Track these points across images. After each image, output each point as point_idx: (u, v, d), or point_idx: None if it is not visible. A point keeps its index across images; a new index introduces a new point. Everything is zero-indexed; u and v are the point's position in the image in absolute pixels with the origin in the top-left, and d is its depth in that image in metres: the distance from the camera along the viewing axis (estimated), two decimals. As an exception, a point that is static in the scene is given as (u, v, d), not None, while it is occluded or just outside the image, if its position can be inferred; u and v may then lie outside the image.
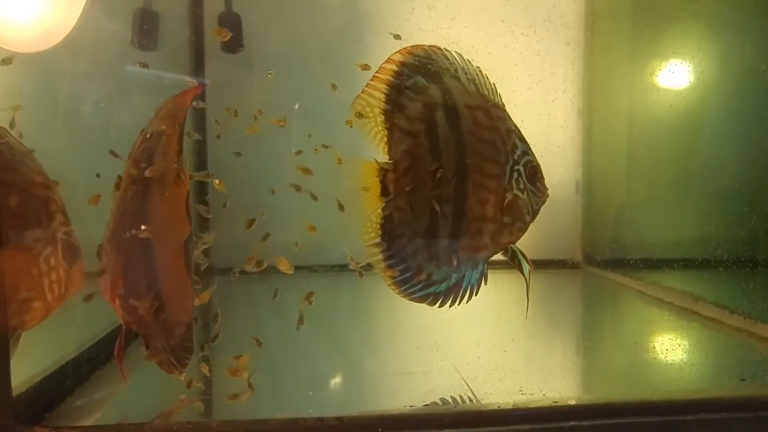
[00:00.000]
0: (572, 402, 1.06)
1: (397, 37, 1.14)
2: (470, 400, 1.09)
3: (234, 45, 1.94)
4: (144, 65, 1.30)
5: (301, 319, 1.14)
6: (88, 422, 1.03)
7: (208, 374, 1.14)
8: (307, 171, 1.12)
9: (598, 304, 2.05)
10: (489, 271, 1.13)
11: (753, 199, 1.58)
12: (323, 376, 1.27)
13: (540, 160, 1.15)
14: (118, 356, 1.02)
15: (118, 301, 0.98)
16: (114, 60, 1.48)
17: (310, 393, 1.17)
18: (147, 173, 0.97)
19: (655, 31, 1.99)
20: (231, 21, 1.98)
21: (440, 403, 1.08)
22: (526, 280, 1.13)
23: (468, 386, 1.14)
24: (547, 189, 1.13)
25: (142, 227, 0.96)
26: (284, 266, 1.09)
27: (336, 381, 1.27)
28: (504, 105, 1.12)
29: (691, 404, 1.05)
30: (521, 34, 1.74)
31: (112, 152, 1.05)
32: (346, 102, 1.13)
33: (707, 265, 1.65)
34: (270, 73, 1.43)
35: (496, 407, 1.03)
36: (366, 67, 1.10)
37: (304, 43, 2.00)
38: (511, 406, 1.04)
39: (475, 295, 1.12)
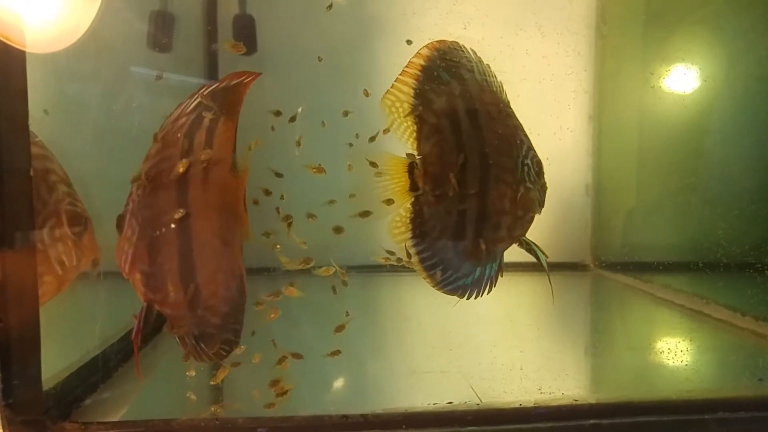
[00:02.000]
0: (592, 401, 1.07)
1: (409, 42, 1.15)
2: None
3: (248, 47, 1.95)
4: (159, 77, 1.30)
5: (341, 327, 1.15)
6: (115, 418, 1.05)
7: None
8: (320, 170, 1.13)
9: (608, 306, 2.06)
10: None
11: (763, 202, 1.59)
12: (342, 375, 1.28)
13: (550, 164, 1.18)
14: (135, 337, 1.00)
15: (138, 277, 0.98)
16: (129, 61, 1.49)
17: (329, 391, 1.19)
18: (203, 156, 0.97)
19: (665, 36, 2.00)
20: (245, 23, 1.99)
21: (461, 401, 1.10)
22: (545, 268, 1.15)
23: (473, 390, 1.15)
24: (546, 183, 1.16)
25: (180, 210, 0.96)
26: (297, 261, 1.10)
27: (355, 380, 1.28)
28: (509, 102, 1.15)
29: (710, 403, 1.06)
30: (532, 38, 1.76)
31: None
32: (363, 103, 1.15)
33: (718, 268, 1.65)
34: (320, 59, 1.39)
35: (517, 405, 1.05)
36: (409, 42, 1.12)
37: (318, 44, 2.01)
38: (532, 404, 1.05)
39: (495, 286, 1.13)
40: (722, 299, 1.67)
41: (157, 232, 0.97)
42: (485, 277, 1.12)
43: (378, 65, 1.92)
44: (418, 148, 1.10)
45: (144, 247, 0.97)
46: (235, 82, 1.04)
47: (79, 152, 1.27)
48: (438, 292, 1.13)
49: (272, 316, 1.10)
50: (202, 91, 1.03)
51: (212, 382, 1.08)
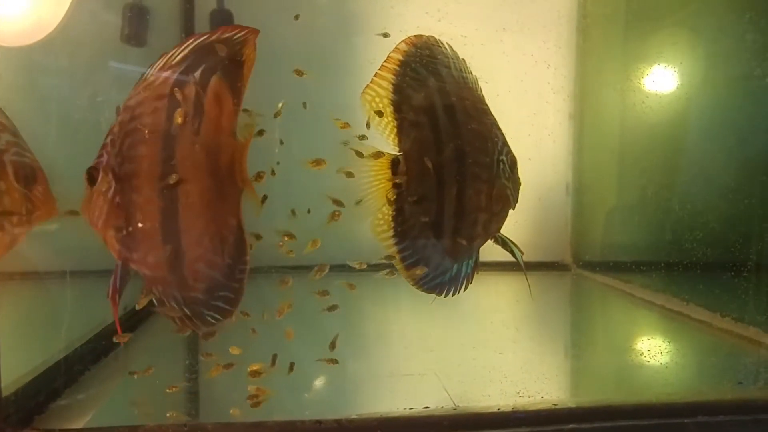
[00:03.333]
0: (572, 405, 1.05)
1: (386, 35, 1.13)
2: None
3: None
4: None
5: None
6: (79, 424, 1.01)
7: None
8: (319, 163, 1.09)
9: (588, 306, 2.05)
10: (479, 273, 1.13)
11: (743, 203, 1.59)
12: (317, 378, 1.26)
13: (531, 163, 1.18)
14: (112, 298, 0.96)
15: (112, 233, 0.94)
16: (102, 55, 1.45)
17: (306, 395, 1.16)
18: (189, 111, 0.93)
19: (645, 36, 2.00)
20: (223, 18, 1.95)
21: (438, 405, 1.07)
22: (520, 264, 1.15)
23: (448, 394, 1.13)
24: (519, 178, 1.15)
25: (174, 175, 0.92)
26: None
27: (331, 383, 1.25)
28: (484, 98, 1.14)
29: (690, 407, 1.05)
30: (512, 36, 1.74)
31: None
32: (340, 100, 1.12)
33: (697, 268, 1.66)
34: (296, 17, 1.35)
35: (496, 410, 1.03)
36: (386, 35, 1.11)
37: (298, 40, 1.98)
38: (510, 409, 1.03)
39: (471, 283, 1.12)
40: (702, 300, 1.66)
41: (139, 189, 0.93)
42: (462, 274, 1.11)
43: (359, 60, 1.89)
44: (399, 144, 1.08)
45: (122, 203, 0.93)
46: (226, 35, 0.99)
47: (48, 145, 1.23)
48: (420, 292, 1.11)
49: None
50: (190, 42, 0.97)
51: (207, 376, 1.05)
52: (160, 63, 0.97)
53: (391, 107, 1.07)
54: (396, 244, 1.09)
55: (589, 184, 2.25)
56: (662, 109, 1.92)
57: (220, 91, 0.98)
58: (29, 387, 1.03)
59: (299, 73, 1.11)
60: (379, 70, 1.08)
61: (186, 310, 0.98)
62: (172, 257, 0.95)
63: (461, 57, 1.13)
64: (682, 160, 1.91)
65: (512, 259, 1.17)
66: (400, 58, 1.08)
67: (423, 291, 1.11)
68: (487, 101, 1.14)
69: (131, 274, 0.97)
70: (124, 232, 0.94)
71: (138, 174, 0.93)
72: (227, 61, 0.98)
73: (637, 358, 1.42)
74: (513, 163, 1.12)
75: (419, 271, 1.09)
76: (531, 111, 1.82)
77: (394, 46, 1.09)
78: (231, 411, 1.02)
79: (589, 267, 2.22)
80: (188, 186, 0.94)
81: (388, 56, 1.08)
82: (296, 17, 1.22)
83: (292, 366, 1.05)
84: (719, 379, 1.28)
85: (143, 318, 1.43)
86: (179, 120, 0.93)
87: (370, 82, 1.09)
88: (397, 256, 1.09)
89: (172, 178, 0.92)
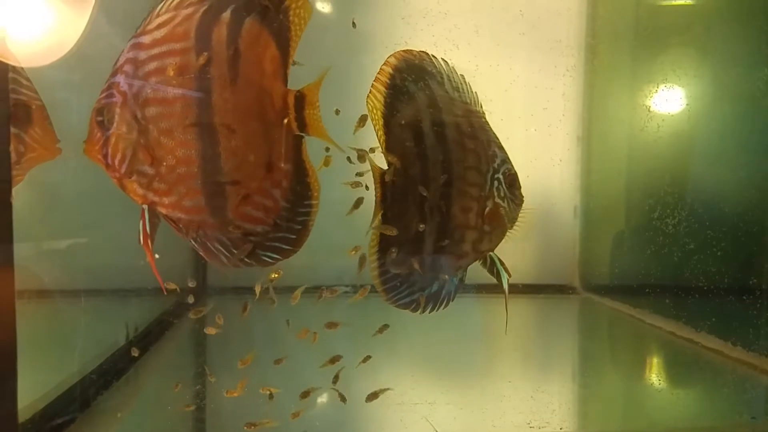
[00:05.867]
0: (584, 437, 1.05)
1: (354, 25, 1.12)
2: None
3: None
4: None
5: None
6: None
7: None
8: (327, 162, 1.05)
9: (596, 331, 2.04)
10: (485, 298, 1.12)
11: (756, 226, 1.59)
12: (325, 405, 1.25)
13: (538, 185, 1.16)
14: (145, 243, 0.92)
15: (135, 178, 0.90)
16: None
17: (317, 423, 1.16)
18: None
19: (654, 57, 2.00)
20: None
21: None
22: (504, 290, 1.12)
23: (431, 425, 1.12)
24: (522, 197, 1.13)
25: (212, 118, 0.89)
26: None
27: (337, 412, 1.25)
28: (484, 113, 1.13)
29: (703, 441, 1.05)
30: (520, 59, 1.75)
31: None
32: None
33: (708, 294, 1.65)
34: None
35: (508, 442, 1.03)
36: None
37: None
38: (523, 441, 1.03)
39: (452, 301, 1.11)
40: (713, 327, 1.65)
41: (170, 133, 0.89)
42: (444, 292, 1.10)
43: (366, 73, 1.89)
44: (387, 158, 1.07)
45: (148, 146, 0.89)
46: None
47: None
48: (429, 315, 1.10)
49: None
50: None
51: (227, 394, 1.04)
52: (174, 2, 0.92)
53: (382, 120, 1.06)
54: (378, 258, 1.07)
55: (597, 206, 2.25)
56: (670, 131, 1.92)
57: (258, 33, 0.95)
58: (44, 412, 1.03)
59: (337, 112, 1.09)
60: (374, 81, 1.07)
61: (233, 250, 0.96)
62: (214, 201, 0.92)
63: (459, 73, 1.12)
64: (691, 182, 1.91)
65: (520, 281, 1.15)
66: (390, 71, 1.07)
67: (396, 306, 1.10)
68: (492, 124, 1.13)
69: (160, 219, 0.94)
70: (153, 176, 0.91)
71: (169, 116, 0.89)
72: (265, 5, 0.96)
73: (647, 387, 1.42)
74: (512, 182, 1.10)
75: (391, 288, 1.07)
76: (538, 134, 1.83)
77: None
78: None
79: (597, 290, 2.21)
80: (229, 129, 0.91)
81: (380, 68, 1.07)
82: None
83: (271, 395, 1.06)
84: (730, 411, 1.27)
85: (153, 340, 1.43)
86: (209, 60, 0.90)
87: (369, 92, 1.07)
88: (376, 272, 1.07)
89: (206, 119, 0.89)
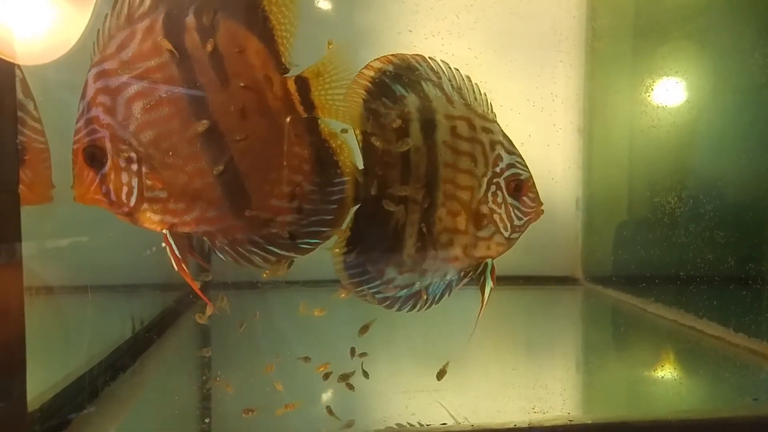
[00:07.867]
0: (587, 420, 1.06)
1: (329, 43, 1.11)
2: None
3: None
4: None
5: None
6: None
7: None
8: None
9: (599, 321, 2.05)
10: (492, 290, 1.11)
11: (757, 216, 1.59)
12: (330, 392, 1.26)
13: (540, 178, 1.12)
14: (180, 268, 0.89)
15: (147, 206, 0.87)
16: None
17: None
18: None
19: (653, 49, 2.01)
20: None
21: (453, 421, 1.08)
22: (482, 297, 1.08)
23: (450, 414, 1.13)
24: (540, 205, 1.10)
25: (204, 122, 0.86)
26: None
27: (343, 399, 1.26)
28: (495, 116, 1.10)
29: (706, 424, 1.05)
30: (520, 52, 1.76)
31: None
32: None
33: (710, 282, 1.65)
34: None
35: (512, 425, 1.04)
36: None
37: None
38: (526, 425, 1.04)
39: (436, 304, 1.09)
40: (714, 314, 1.66)
41: (175, 151, 0.86)
42: (429, 293, 1.09)
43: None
44: (363, 160, 1.05)
45: (153, 171, 0.86)
46: None
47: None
48: (433, 307, 1.09)
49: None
50: None
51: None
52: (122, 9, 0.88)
53: (359, 123, 1.04)
54: (345, 254, 1.05)
55: (598, 198, 2.25)
56: (671, 123, 1.93)
57: (233, 30, 0.91)
58: (53, 402, 1.05)
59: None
60: (351, 84, 1.04)
61: (272, 248, 0.95)
62: (237, 203, 0.90)
63: (464, 74, 1.09)
64: (693, 173, 1.92)
65: (523, 272, 1.15)
66: (372, 74, 1.05)
67: (366, 301, 1.08)
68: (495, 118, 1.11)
69: (186, 237, 0.92)
70: (166, 198, 0.88)
71: (169, 135, 0.86)
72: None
73: (650, 374, 1.42)
74: (516, 187, 1.06)
75: (358, 282, 1.06)
76: (540, 126, 1.83)
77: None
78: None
79: (599, 281, 2.22)
80: (234, 129, 0.89)
81: (360, 72, 1.05)
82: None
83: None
84: (734, 396, 1.28)
85: (158, 334, 1.45)
86: (193, 69, 0.87)
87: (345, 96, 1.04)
88: (341, 266, 1.06)
89: (202, 125, 0.86)
